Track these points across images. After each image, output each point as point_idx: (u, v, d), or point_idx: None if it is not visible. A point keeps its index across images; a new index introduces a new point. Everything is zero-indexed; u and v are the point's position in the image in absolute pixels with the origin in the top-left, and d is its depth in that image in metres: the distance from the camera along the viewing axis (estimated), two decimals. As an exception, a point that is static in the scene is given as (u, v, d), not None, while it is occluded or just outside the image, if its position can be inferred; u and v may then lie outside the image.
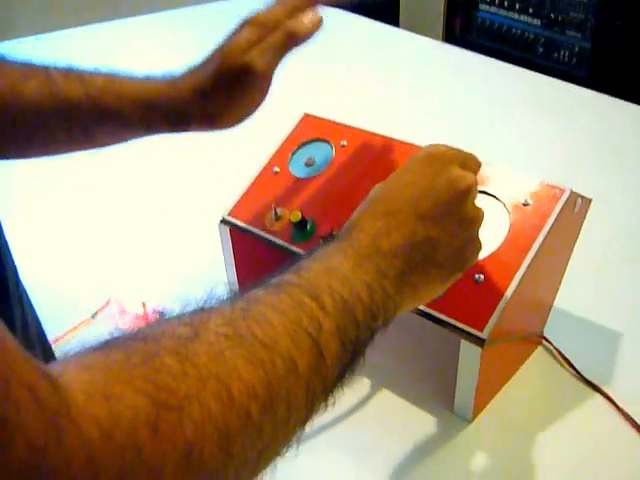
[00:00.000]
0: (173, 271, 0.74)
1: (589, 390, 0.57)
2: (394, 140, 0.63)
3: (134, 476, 0.24)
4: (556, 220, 0.52)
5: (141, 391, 0.25)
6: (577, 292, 0.65)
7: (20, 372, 0.23)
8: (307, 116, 0.70)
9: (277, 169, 0.66)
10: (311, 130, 0.69)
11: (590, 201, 0.57)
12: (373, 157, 0.63)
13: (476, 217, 0.44)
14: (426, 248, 0.41)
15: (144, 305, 0.67)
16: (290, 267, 0.37)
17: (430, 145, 0.45)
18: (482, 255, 0.47)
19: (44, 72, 0.51)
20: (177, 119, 0.52)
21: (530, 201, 0.53)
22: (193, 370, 0.27)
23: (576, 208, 0.55)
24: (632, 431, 0.53)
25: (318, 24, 0.52)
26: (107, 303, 0.68)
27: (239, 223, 0.64)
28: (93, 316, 0.67)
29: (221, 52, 0.50)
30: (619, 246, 0.75)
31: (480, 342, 0.49)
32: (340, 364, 0.34)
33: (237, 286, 0.69)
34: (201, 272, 0.71)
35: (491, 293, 0.50)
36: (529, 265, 0.50)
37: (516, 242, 0.52)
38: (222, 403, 0.27)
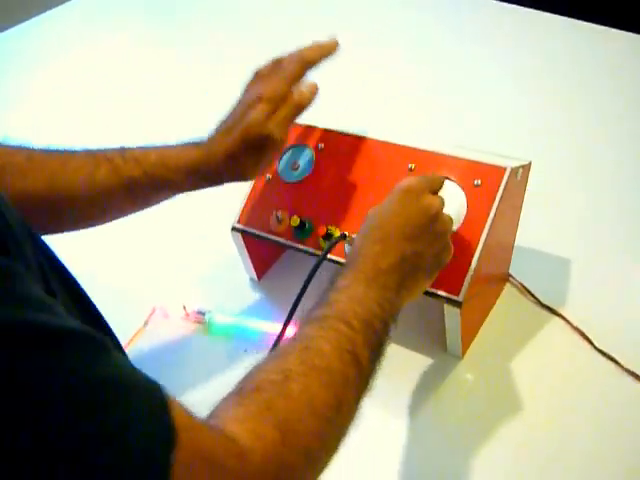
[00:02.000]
0: (199, 274, 0.86)
1: (549, 314, 0.72)
2: (365, 138, 0.74)
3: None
4: (503, 193, 0.65)
5: (276, 426, 0.41)
6: (531, 228, 0.77)
7: (212, 446, 0.37)
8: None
9: (269, 176, 0.78)
10: (290, 136, 0.80)
11: (530, 164, 0.70)
12: (349, 156, 0.74)
13: (446, 230, 0.59)
14: (413, 260, 0.56)
15: (185, 308, 0.80)
16: (322, 301, 0.52)
17: (405, 180, 0.59)
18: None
19: (106, 158, 0.63)
20: (214, 178, 0.66)
21: (480, 182, 0.66)
22: (293, 404, 0.42)
23: (518, 177, 0.68)
24: (587, 345, 0.68)
25: (315, 91, 0.66)
26: (153, 311, 0.82)
27: (248, 229, 0.77)
28: (145, 324, 0.81)
29: (244, 124, 0.63)
30: (566, 179, 0.88)
31: (458, 304, 0.63)
32: (372, 363, 0.49)
33: (256, 279, 0.83)
34: (223, 271, 0.85)
35: (460, 264, 0.64)
36: (487, 235, 0.64)
37: (474, 219, 0.65)
38: (315, 416, 0.43)
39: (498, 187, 0.65)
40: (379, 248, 0.55)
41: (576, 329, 0.69)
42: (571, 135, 0.96)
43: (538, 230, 0.79)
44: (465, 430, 0.64)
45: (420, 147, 0.71)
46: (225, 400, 0.43)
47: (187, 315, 0.80)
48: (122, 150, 0.65)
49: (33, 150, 0.63)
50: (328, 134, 0.77)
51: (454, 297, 0.63)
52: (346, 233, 0.67)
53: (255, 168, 0.67)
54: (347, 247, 0.68)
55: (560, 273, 0.76)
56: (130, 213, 0.67)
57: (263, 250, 0.82)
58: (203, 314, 0.79)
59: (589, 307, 0.72)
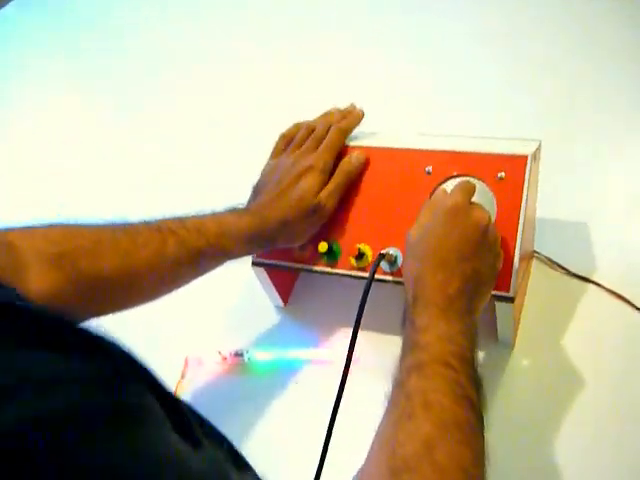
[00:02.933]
0: (223, 314, 0.83)
1: (580, 282, 0.74)
2: (376, 148, 0.73)
3: None
4: (529, 182, 0.66)
5: None
6: (544, 198, 0.78)
7: None
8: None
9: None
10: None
11: (540, 143, 0.70)
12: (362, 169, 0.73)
13: (496, 238, 0.59)
14: (475, 277, 0.56)
15: (220, 353, 0.78)
16: (409, 346, 0.52)
17: (447, 198, 0.59)
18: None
19: (171, 231, 0.61)
20: (267, 244, 0.68)
21: (504, 175, 0.66)
22: (448, 476, 0.43)
23: (537, 160, 0.68)
24: (626, 307, 0.70)
25: (363, 159, 0.70)
26: (186, 361, 0.79)
27: (270, 262, 0.75)
28: (182, 377, 0.79)
29: (299, 193, 0.67)
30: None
31: (510, 299, 0.64)
32: (479, 398, 0.50)
33: (282, 305, 0.81)
34: (246, 306, 0.83)
35: (505, 261, 0.64)
36: (522, 226, 0.64)
37: (506, 213, 0.65)
38: (457, 466, 0.43)
39: (523, 177, 0.65)
40: (442, 275, 0.55)
41: (612, 292, 0.72)
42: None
43: (550, 198, 0.80)
44: (537, 416, 0.66)
45: (434, 148, 0.70)
46: None
47: (224, 359, 0.78)
48: (181, 221, 0.63)
49: (99, 231, 0.59)
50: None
51: (505, 294, 0.64)
52: (383, 252, 0.67)
53: (306, 233, 0.69)
54: (385, 265, 0.68)
55: (582, 238, 0.77)
56: (189, 282, 0.66)
57: (285, 276, 0.81)
58: (241, 355, 0.77)
59: (618, 268, 0.74)
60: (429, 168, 0.69)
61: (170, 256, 0.61)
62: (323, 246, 0.70)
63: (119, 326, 0.70)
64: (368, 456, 0.47)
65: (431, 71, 1.04)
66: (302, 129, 0.72)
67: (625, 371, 0.67)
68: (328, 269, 0.71)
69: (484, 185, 0.66)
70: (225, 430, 0.73)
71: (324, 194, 0.67)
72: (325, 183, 0.68)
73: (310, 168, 0.67)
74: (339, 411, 0.64)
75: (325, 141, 0.70)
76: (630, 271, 0.73)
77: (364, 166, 0.72)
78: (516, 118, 0.90)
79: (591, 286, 0.73)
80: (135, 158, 1.07)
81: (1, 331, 0.29)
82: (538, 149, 0.69)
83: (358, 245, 0.70)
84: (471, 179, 0.66)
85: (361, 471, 0.47)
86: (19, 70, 1.33)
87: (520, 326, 0.72)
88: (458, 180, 0.67)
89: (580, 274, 0.74)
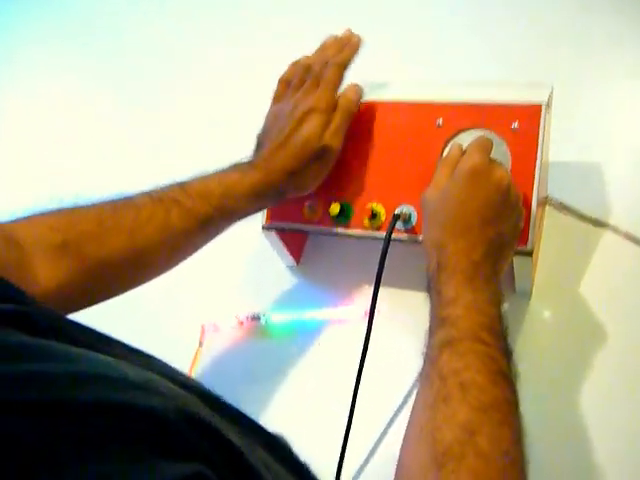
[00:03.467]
0: (235, 278, 0.83)
1: (595, 227, 0.73)
2: (382, 102, 0.71)
3: None
4: (544, 132, 0.64)
5: None
6: (559, 139, 0.73)
7: None
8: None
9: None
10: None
11: (552, 88, 0.68)
12: (369, 125, 0.71)
13: (518, 197, 0.58)
14: (499, 240, 0.55)
15: (237, 318, 0.78)
16: (438, 320, 0.52)
17: (465, 160, 0.57)
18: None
19: (174, 200, 0.60)
20: (277, 196, 0.65)
21: (517, 126, 0.64)
22: (493, 463, 0.43)
23: (550, 106, 0.66)
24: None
25: (361, 92, 0.67)
26: (202, 329, 0.79)
27: (281, 224, 0.74)
28: (200, 345, 0.79)
29: (302, 139, 0.63)
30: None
31: (529, 253, 0.63)
32: (512, 369, 0.49)
33: (295, 265, 0.81)
34: (258, 268, 0.82)
35: (521, 214, 0.63)
36: (538, 178, 0.63)
37: (521, 165, 0.63)
38: (511, 463, 0.43)
39: (538, 127, 0.63)
40: (465, 242, 0.54)
41: (628, 236, 0.71)
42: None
43: (560, 139, 0.77)
44: (558, 365, 0.66)
45: (444, 100, 0.68)
46: (423, 476, 0.43)
47: (241, 324, 0.78)
48: (182, 187, 0.61)
49: (100, 211, 0.57)
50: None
51: (523, 248, 0.63)
52: (397, 212, 0.66)
53: (315, 180, 0.66)
54: (399, 224, 0.67)
55: (594, 180, 0.76)
56: (201, 248, 0.65)
57: (296, 236, 0.80)
58: (258, 318, 0.77)
59: (634, 210, 0.73)
60: (439, 121, 0.67)
61: (176, 227, 0.59)
62: (335, 208, 0.69)
63: (132, 300, 0.70)
64: (406, 444, 0.47)
65: (433, 16, 0.99)
66: (299, 69, 0.69)
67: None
68: (342, 230, 0.70)
69: (498, 137, 0.64)
70: (247, 396, 0.74)
71: (328, 135, 0.65)
72: (328, 123, 0.65)
73: (311, 110, 0.64)
74: (364, 369, 0.64)
75: (323, 79, 0.66)
76: (645, 213, 0.72)
77: (371, 117, 0.69)
78: (523, 59, 0.86)
79: (606, 231, 0.72)
80: (134, 156, 1.03)
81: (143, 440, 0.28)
82: (551, 95, 0.66)
83: (370, 204, 0.68)
84: (483, 132, 0.65)
85: (402, 466, 0.46)
86: (8, 63, 1.27)
87: (536, 275, 0.72)
88: (471, 133, 0.65)
89: (595, 218, 0.73)
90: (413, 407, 0.49)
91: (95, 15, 1.25)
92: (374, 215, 0.68)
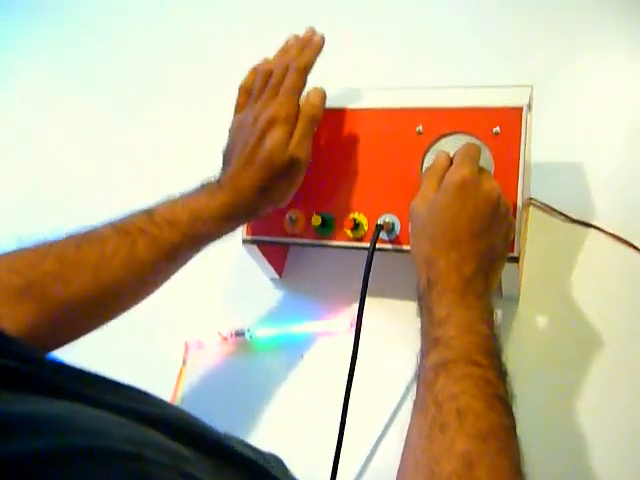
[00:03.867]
0: (217, 293, 0.81)
1: (580, 227, 0.72)
2: (361, 109, 0.69)
3: None
4: (525, 134, 0.63)
5: None
6: (541, 140, 0.72)
7: None
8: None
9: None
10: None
11: (532, 88, 0.67)
12: (347, 133, 0.69)
13: (508, 209, 0.57)
14: (489, 254, 0.54)
15: (220, 334, 0.76)
16: (431, 340, 0.50)
17: (454, 172, 0.56)
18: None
19: (139, 230, 0.57)
20: (248, 216, 0.63)
21: (499, 130, 0.63)
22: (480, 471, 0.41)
23: (531, 109, 0.65)
24: (628, 249, 0.69)
25: (324, 95, 0.63)
26: (186, 346, 0.78)
27: (261, 238, 0.72)
28: (184, 363, 0.77)
29: (265, 153, 0.60)
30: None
31: (515, 259, 0.62)
32: (508, 392, 0.48)
33: (278, 277, 0.79)
34: (240, 282, 0.80)
35: (507, 220, 0.62)
36: (522, 182, 0.62)
37: (504, 170, 0.62)
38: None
39: (520, 130, 0.62)
40: (456, 256, 0.53)
41: (613, 236, 0.70)
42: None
43: (542, 140, 0.76)
44: (548, 367, 0.66)
45: (422, 105, 0.66)
46: None
47: (225, 339, 0.76)
48: (149, 215, 0.58)
49: (63, 248, 0.54)
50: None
51: (511, 254, 0.62)
52: (380, 223, 0.65)
53: (287, 193, 0.64)
54: (383, 234, 0.65)
55: (578, 181, 0.75)
56: (172, 276, 0.62)
57: (278, 249, 0.78)
58: (242, 334, 0.75)
59: (619, 209, 0.72)
60: (420, 127, 0.66)
61: (144, 259, 0.57)
62: (317, 219, 0.67)
63: (115, 321, 0.68)
64: (403, 474, 0.46)
65: (410, 19, 0.97)
66: (259, 75, 0.65)
67: (632, 314, 0.66)
68: (324, 242, 0.69)
69: (479, 142, 0.63)
70: (234, 413, 0.73)
71: (293, 146, 0.61)
72: (291, 133, 0.61)
73: (272, 121, 0.60)
74: (353, 381, 0.63)
75: (283, 86, 0.62)
76: (631, 212, 0.71)
77: (349, 125, 0.67)
78: (500, 57, 0.86)
79: (592, 231, 0.72)
80: (132, 163, 1.00)
81: None
82: (531, 97, 0.65)
83: (352, 215, 0.67)
84: (465, 137, 0.63)
85: None
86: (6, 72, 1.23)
87: (523, 278, 0.71)
88: (452, 138, 0.64)
89: (579, 219, 0.72)
90: (408, 435, 0.47)
91: (93, 19, 1.21)
92: (357, 225, 0.66)
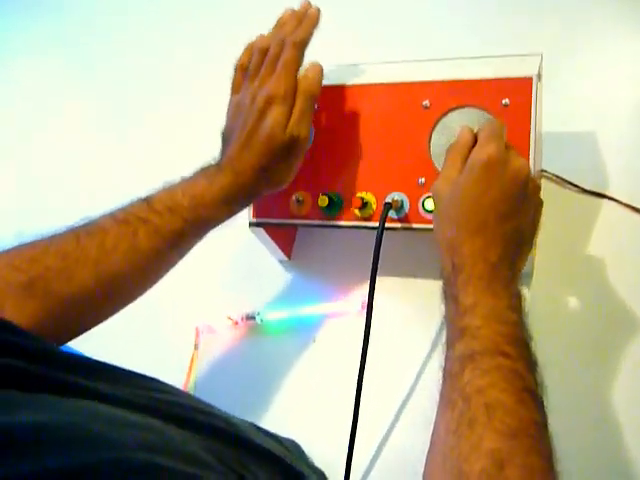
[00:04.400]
0: (226, 276, 0.80)
1: (595, 199, 0.71)
2: (364, 85, 0.67)
3: None
4: (535, 105, 0.61)
5: None
6: (551, 110, 0.69)
7: None
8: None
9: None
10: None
11: (542, 55, 0.64)
12: (351, 111, 0.67)
13: (537, 187, 0.54)
14: (517, 237, 0.52)
15: (230, 318, 0.76)
16: (457, 330, 0.48)
17: (481, 151, 0.53)
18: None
19: (140, 219, 0.56)
20: (250, 197, 0.62)
21: (508, 102, 0.61)
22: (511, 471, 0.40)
23: (541, 78, 0.63)
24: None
25: (321, 71, 0.61)
26: (197, 331, 0.77)
27: (268, 220, 0.71)
28: (196, 348, 0.76)
29: (265, 133, 0.58)
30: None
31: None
32: (539, 383, 0.46)
33: (286, 259, 0.78)
34: (249, 265, 0.79)
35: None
36: (534, 155, 0.60)
37: (515, 141, 0.60)
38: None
39: (530, 101, 0.60)
40: (481, 241, 0.50)
41: (629, 206, 0.68)
42: None
43: (552, 109, 0.73)
44: (566, 344, 0.64)
45: (428, 79, 0.64)
46: None
47: (236, 324, 0.76)
48: (149, 202, 0.57)
49: (63, 243, 0.53)
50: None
51: (523, 229, 0.61)
52: (388, 201, 0.63)
53: (289, 173, 0.62)
54: (392, 213, 0.64)
55: (590, 150, 0.73)
56: (176, 264, 0.61)
57: (285, 231, 0.77)
58: (253, 317, 0.75)
59: (634, 179, 0.70)
60: (426, 102, 0.64)
61: (145, 250, 0.55)
62: (323, 200, 0.66)
63: (124, 308, 0.68)
64: (430, 472, 0.44)
65: (410, 20, 0.93)
66: (255, 53, 0.63)
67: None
68: (332, 222, 0.68)
69: (489, 114, 0.61)
70: (247, 397, 0.73)
71: (292, 124, 0.59)
72: (290, 111, 0.59)
73: (270, 99, 0.59)
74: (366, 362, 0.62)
75: (280, 62, 0.60)
76: (645, 181, 0.70)
77: (354, 101, 0.65)
78: (509, 25, 0.83)
79: (606, 202, 0.70)
80: (132, 162, 0.98)
81: None
82: (541, 66, 0.63)
83: (360, 194, 0.66)
84: (473, 110, 0.61)
85: None
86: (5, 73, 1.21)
87: (537, 252, 0.69)
88: (460, 112, 0.62)
89: (593, 190, 0.70)
90: (435, 430, 0.46)
91: (91, 19, 1.19)
92: (364, 204, 0.65)
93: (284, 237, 0.77)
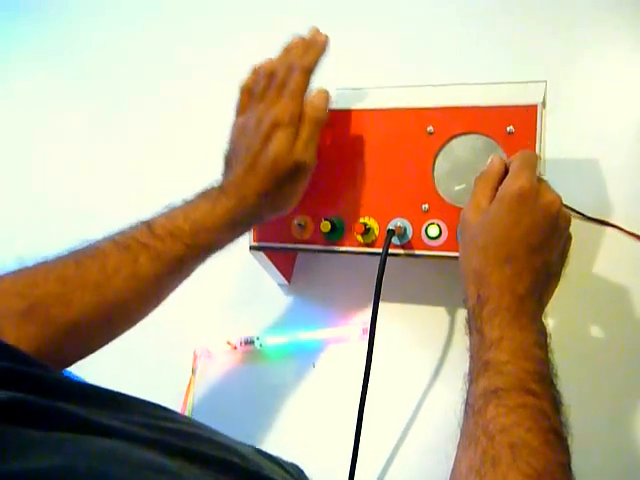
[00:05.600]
0: (225, 300, 0.79)
1: (598, 227, 0.70)
2: (368, 110, 0.67)
3: None
4: (540, 132, 0.60)
5: None
6: (554, 137, 0.69)
7: None
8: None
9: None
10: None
11: (546, 83, 0.64)
12: (354, 135, 0.67)
13: (568, 222, 0.54)
14: (545, 270, 0.51)
15: (229, 342, 0.74)
16: (481, 363, 0.47)
17: (513, 182, 0.52)
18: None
19: (141, 244, 0.55)
20: (253, 221, 0.61)
21: (513, 129, 0.61)
22: None
23: (545, 106, 0.63)
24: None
25: (328, 97, 0.61)
26: (195, 355, 0.76)
27: (269, 245, 0.70)
28: (193, 373, 0.75)
29: (270, 158, 0.58)
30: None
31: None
32: (560, 416, 0.45)
33: (286, 283, 0.77)
34: (248, 289, 0.78)
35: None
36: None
37: (519, 169, 0.60)
38: None
39: (535, 128, 0.60)
40: (510, 271, 0.50)
41: (632, 234, 0.68)
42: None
43: (555, 137, 0.74)
44: (567, 369, 0.64)
45: (432, 105, 0.64)
46: None
47: (234, 348, 0.75)
48: (150, 227, 0.56)
49: (63, 267, 0.52)
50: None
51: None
52: (391, 227, 0.63)
53: (292, 198, 0.61)
54: (395, 239, 0.63)
55: (593, 178, 0.73)
56: (176, 289, 0.60)
57: (285, 255, 0.76)
58: (252, 342, 0.74)
59: (637, 206, 0.70)
60: (430, 128, 0.63)
61: (146, 275, 0.55)
62: (326, 225, 0.65)
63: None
64: None
65: (410, 20, 0.94)
66: (261, 76, 0.62)
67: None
68: (334, 247, 0.67)
69: (492, 142, 0.61)
70: (245, 423, 0.71)
71: (298, 150, 0.59)
72: (296, 136, 0.59)
73: (276, 124, 0.58)
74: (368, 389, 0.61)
75: (287, 87, 0.60)
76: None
77: (358, 126, 0.65)
78: (510, 53, 0.83)
79: (609, 229, 0.69)
80: (132, 165, 0.97)
81: None
82: (545, 93, 0.63)
83: (362, 220, 0.65)
84: (477, 137, 0.61)
85: None
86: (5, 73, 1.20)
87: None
88: (464, 139, 0.62)
89: (596, 217, 0.70)
90: (455, 467, 0.44)
91: (93, 19, 1.18)
92: (367, 230, 0.64)
93: (284, 261, 0.76)
